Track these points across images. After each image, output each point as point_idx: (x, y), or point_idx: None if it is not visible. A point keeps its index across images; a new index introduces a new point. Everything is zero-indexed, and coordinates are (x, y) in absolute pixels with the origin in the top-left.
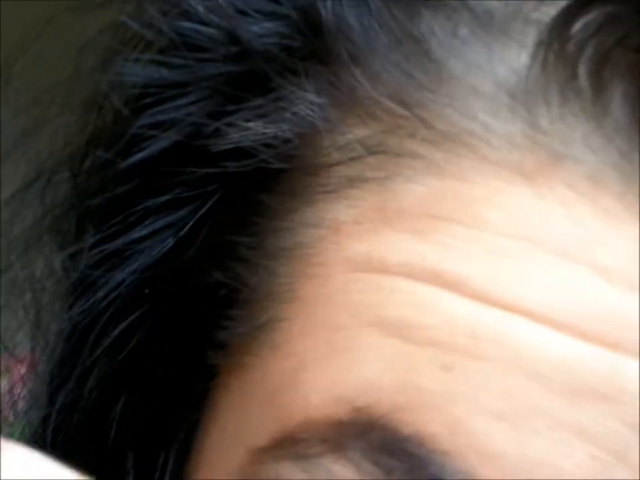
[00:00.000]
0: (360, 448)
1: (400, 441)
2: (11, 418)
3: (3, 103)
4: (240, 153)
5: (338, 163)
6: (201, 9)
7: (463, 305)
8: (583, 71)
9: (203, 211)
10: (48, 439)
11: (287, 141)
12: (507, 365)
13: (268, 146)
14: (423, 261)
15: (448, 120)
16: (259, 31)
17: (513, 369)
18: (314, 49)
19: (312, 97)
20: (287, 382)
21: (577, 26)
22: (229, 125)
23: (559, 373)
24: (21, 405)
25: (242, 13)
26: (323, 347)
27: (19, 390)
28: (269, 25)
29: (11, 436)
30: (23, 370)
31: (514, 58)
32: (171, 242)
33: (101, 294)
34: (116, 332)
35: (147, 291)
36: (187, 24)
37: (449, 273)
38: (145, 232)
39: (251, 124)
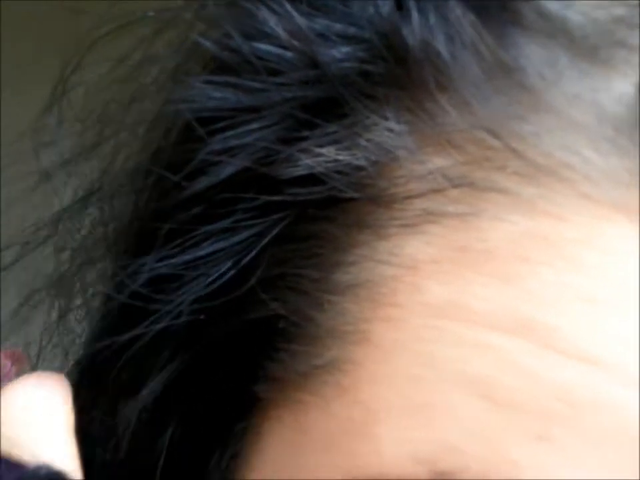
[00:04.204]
0: None
1: None
2: None
3: (60, 118)
4: (309, 180)
5: (416, 195)
6: (281, 32)
7: (557, 364)
8: None
9: (267, 239)
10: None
11: (360, 168)
12: (610, 437)
13: (340, 173)
14: (511, 310)
15: (543, 151)
16: (338, 55)
17: (617, 442)
18: (394, 74)
19: (390, 123)
20: (356, 431)
21: None
22: (301, 150)
23: None
24: None
25: (321, 36)
26: (398, 399)
27: None
28: (348, 49)
29: None
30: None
31: (617, 88)
32: (228, 269)
33: (154, 317)
34: (169, 358)
35: (202, 316)
36: (265, 46)
37: (541, 325)
38: (202, 254)
39: (323, 150)
